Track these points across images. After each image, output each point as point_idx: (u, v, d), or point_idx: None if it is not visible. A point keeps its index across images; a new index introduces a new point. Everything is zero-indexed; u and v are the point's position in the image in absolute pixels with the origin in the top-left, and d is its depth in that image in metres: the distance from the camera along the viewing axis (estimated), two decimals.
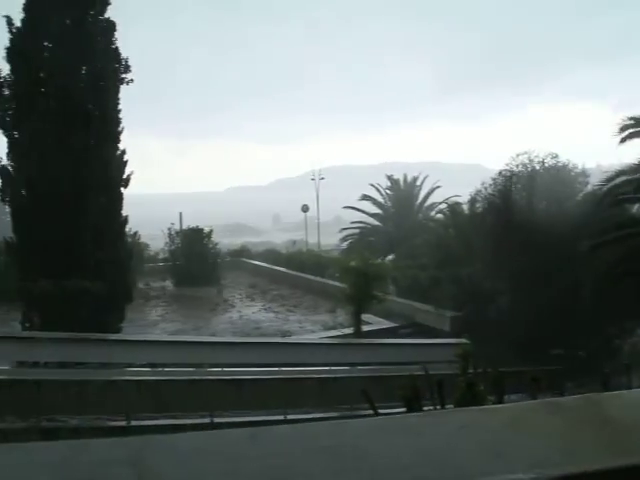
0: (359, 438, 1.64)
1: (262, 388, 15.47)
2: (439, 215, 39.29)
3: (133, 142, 22.11)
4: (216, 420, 14.10)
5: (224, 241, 44.93)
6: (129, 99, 22.24)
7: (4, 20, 20.87)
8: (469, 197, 28.66)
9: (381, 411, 9.35)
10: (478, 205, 26.36)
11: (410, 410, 8.21)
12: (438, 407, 8.34)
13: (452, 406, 8.56)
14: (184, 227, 38.80)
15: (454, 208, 32.25)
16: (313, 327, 25.23)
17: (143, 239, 37.32)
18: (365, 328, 22.03)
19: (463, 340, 16.96)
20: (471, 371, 9.40)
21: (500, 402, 8.25)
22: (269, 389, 15.40)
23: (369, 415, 12.68)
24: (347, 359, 17.59)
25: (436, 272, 25.92)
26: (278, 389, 15.35)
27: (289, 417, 14.64)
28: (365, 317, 22.74)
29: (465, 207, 30.59)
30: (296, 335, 23.41)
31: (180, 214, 42.35)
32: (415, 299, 26.43)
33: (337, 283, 27.78)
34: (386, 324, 24.24)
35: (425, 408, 8.79)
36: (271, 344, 19.10)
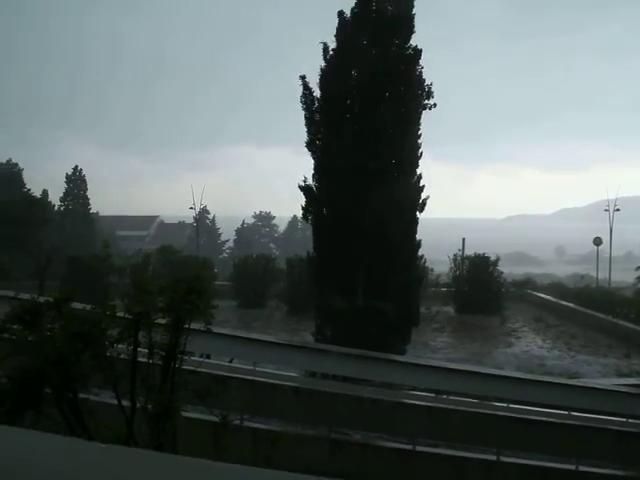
0: None
1: (551, 431, 14.57)
2: None
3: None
4: (502, 459, 13.61)
5: (504, 270, 43.96)
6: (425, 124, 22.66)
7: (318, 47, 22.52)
8: None
9: None
10: None
11: None
12: None
13: None
14: (465, 253, 38.62)
15: None
16: (604, 371, 23.44)
17: (426, 263, 37.73)
18: None
19: None
20: None
21: None
22: (558, 434, 14.46)
23: None
24: None
25: None
26: (568, 435, 14.36)
27: (581, 469, 13.66)
28: None
29: None
30: (585, 378, 21.87)
31: (463, 240, 42.27)
32: None
33: (633, 325, 25.60)
34: None
35: None
36: (559, 385, 17.93)
